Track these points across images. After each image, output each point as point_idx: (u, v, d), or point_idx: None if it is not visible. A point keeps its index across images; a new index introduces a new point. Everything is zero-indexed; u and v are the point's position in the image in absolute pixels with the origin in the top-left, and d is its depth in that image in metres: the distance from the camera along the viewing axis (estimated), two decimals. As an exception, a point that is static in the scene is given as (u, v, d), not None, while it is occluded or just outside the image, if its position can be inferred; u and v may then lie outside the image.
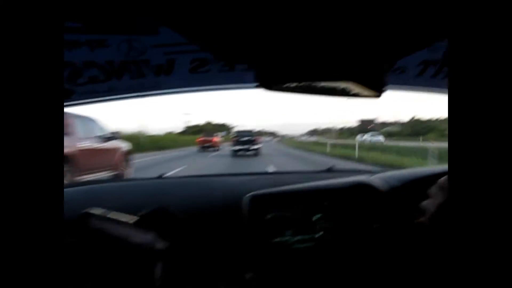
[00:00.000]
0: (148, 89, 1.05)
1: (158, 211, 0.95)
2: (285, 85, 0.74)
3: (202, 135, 26.18)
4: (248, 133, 17.74)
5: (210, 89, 1.10)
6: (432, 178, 0.77)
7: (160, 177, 1.52)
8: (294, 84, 0.75)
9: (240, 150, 16.42)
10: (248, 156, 16.07)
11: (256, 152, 16.58)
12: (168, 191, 1.29)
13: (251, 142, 16.53)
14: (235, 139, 17.31)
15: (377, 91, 0.79)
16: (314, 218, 1.06)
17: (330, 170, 1.66)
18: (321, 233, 1.06)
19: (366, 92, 0.82)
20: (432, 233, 0.68)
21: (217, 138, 24.64)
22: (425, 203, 0.71)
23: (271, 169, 11.17)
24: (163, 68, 0.94)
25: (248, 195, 1.07)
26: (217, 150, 22.69)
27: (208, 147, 22.82)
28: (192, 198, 1.22)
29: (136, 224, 1.02)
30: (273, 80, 0.72)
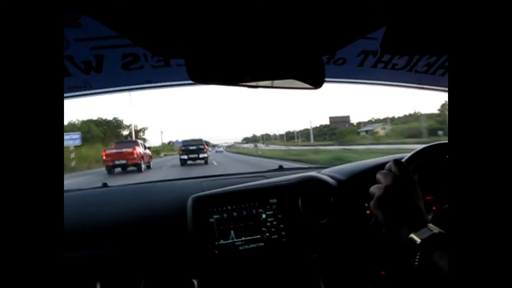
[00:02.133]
0: (77, 89, 0.98)
1: None
2: (221, 79, 0.73)
3: (113, 146, 15.02)
4: (196, 141, 17.46)
5: (146, 87, 1.06)
6: (379, 167, 0.79)
7: (104, 185, 1.43)
8: (230, 78, 0.75)
9: (188, 159, 16.19)
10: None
11: (205, 160, 16.49)
12: (114, 199, 1.22)
13: (200, 150, 16.41)
14: (182, 148, 16.93)
15: (318, 80, 0.81)
16: (262, 217, 1.06)
17: (280, 169, 1.67)
18: (269, 232, 1.04)
19: (305, 83, 0.84)
20: (378, 216, 0.67)
21: (138, 149, 13.64)
22: (373, 188, 0.70)
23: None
24: (91, 65, 0.89)
25: (191, 197, 1.04)
26: (142, 168, 13.77)
27: (123, 166, 13.26)
28: (138, 204, 1.16)
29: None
30: (207, 73, 0.71)
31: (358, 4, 0.60)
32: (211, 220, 1.01)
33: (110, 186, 1.44)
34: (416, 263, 0.58)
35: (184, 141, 17.81)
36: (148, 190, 1.35)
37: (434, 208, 1.02)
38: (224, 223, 1.01)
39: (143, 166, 13.86)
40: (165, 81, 1.06)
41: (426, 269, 0.57)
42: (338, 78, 1.19)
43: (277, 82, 0.80)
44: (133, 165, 13.25)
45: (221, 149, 47.98)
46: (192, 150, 16.30)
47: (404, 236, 0.62)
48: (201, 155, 16.28)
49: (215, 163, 14.95)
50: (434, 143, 1.03)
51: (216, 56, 0.75)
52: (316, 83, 0.82)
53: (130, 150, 13.28)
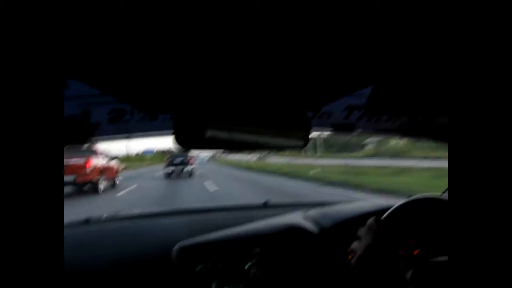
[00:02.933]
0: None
1: None
2: (205, 143, 0.73)
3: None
4: (182, 153, 16.85)
5: (132, 136, 1.06)
6: (362, 217, 0.80)
7: (87, 221, 1.39)
8: (217, 141, 0.75)
9: (173, 172, 15.95)
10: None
11: (191, 173, 16.17)
12: (96, 240, 1.19)
13: (185, 163, 16.27)
14: (168, 160, 16.62)
15: (303, 142, 0.81)
16: (246, 266, 1.05)
17: (265, 206, 1.66)
18: (253, 282, 1.03)
19: (292, 144, 0.84)
20: (359, 274, 0.68)
21: (94, 161, 9.68)
22: (354, 244, 0.72)
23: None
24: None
25: (176, 246, 1.03)
26: (101, 188, 9.86)
27: (70, 184, 9.09)
28: (122, 248, 1.13)
29: None
30: (194, 139, 0.71)
31: (345, 63, 0.62)
32: (196, 269, 1.00)
33: (92, 223, 1.39)
34: None
35: (170, 155, 17.38)
36: (133, 230, 1.32)
37: (415, 252, 1.02)
38: (209, 272, 1.01)
39: (101, 185, 9.84)
40: (152, 130, 1.07)
41: None
42: (324, 127, 1.21)
43: (262, 143, 0.80)
44: (84, 184, 9.36)
45: (205, 160, 42.85)
46: (178, 163, 16.16)
47: None
48: (185, 169, 16.11)
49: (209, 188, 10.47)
50: (414, 197, 1.05)
51: (201, 117, 0.75)
52: (301, 141, 0.82)
53: (81, 162, 9.03)
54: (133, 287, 1.01)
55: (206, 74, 0.65)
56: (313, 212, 1.32)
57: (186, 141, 0.70)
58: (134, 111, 0.90)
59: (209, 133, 0.70)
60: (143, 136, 1.08)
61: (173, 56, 0.54)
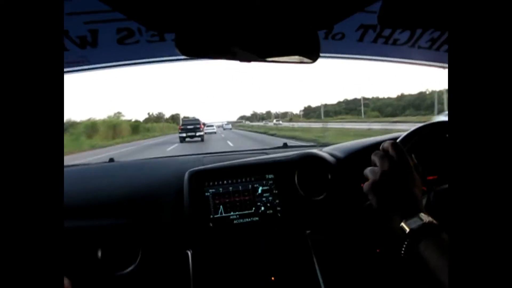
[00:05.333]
0: (75, 64, 0.99)
1: None
2: (211, 51, 0.73)
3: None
4: (194, 121, 19.55)
5: (143, 62, 1.06)
6: (377, 145, 0.75)
7: (111, 160, 1.48)
8: (220, 50, 0.74)
9: (187, 136, 18.10)
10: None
11: (202, 138, 18.22)
12: (117, 174, 1.26)
13: (197, 129, 18.29)
14: (182, 127, 19.10)
15: (314, 55, 0.80)
16: (258, 192, 1.07)
17: (285, 146, 1.67)
18: (264, 207, 1.06)
19: (302, 57, 0.82)
20: (371, 201, 0.66)
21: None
22: (367, 170, 0.68)
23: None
24: (87, 40, 0.89)
25: (187, 171, 1.06)
26: None
27: None
28: (139, 178, 1.19)
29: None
30: (197, 46, 0.70)
31: None
32: (207, 194, 1.03)
33: (116, 161, 1.48)
34: (403, 252, 0.58)
35: (183, 121, 20.15)
36: (150, 165, 1.38)
37: (436, 188, 1.01)
38: (219, 197, 1.04)
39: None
40: (162, 56, 1.06)
41: (411, 259, 0.57)
42: (338, 54, 1.17)
43: (270, 56, 0.79)
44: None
45: (229, 126, 46.24)
46: (190, 129, 18.35)
47: (395, 223, 0.61)
48: (197, 133, 18.22)
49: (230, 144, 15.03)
50: (429, 122, 1.01)
51: (207, 28, 0.74)
52: (311, 57, 0.81)
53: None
54: (149, 211, 1.06)
55: None
56: (329, 147, 1.31)
57: (189, 48, 0.69)
58: (142, 30, 0.90)
59: (214, 41, 0.69)
60: (155, 61, 1.08)
61: None
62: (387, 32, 1.05)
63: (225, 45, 0.72)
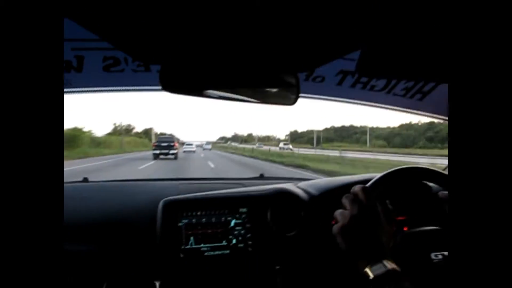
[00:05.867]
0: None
1: None
2: (192, 89, 0.75)
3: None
4: (168, 138, 20.33)
5: (126, 89, 1.07)
6: (351, 186, 0.76)
7: (85, 179, 1.44)
8: (201, 88, 0.76)
9: (160, 153, 18.61)
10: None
11: (175, 156, 18.83)
12: (90, 196, 1.23)
13: (171, 147, 18.86)
14: (156, 144, 19.53)
15: (294, 96, 0.83)
16: (231, 225, 1.07)
17: (261, 177, 1.68)
18: (235, 240, 1.05)
19: (282, 98, 0.85)
20: (339, 242, 0.67)
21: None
22: (337, 212, 0.69)
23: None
24: (72, 65, 0.90)
25: (162, 200, 1.05)
26: None
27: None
28: (113, 202, 1.16)
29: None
30: (178, 82, 0.72)
31: (335, 24, 0.62)
32: (180, 224, 1.02)
33: (90, 182, 1.44)
34: None
35: (158, 138, 20.82)
36: (125, 189, 1.36)
37: (405, 228, 1.03)
38: (192, 228, 1.03)
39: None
40: (147, 85, 1.08)
41: None
42: (317, 95, 1.21)
43: (250, 96, 0.82)
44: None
45: (209, 146, 46.05)
46: (164, 147, 18.89)
47: (361, 267, 0.62)
48: (171, 151, 18.81)
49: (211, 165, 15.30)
50: (403, 167, 1.05)
51: (189, 64, 0.76)
52: (291, 98, 0.84)
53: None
54: (119, 238, 1.03)
55: (200, 24, 0.65)
56: (304, 183, 1.33)
57: (172, 84, 0.70)
58: (128, 60, 0.91)
59: (196, 79, 0.71)
60: (138, 90, 1.09)
61: (170, 6, 0.54)
62: (365, 78, 1.11)
63: (207, 84, 0.74)
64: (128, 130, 53.63)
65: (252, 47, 0.77)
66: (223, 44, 0.75)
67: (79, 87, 1.03)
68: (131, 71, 0.96)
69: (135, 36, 0.72)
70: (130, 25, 0.65)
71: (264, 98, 0.83)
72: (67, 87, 1.01)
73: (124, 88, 1.08)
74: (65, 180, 1.43)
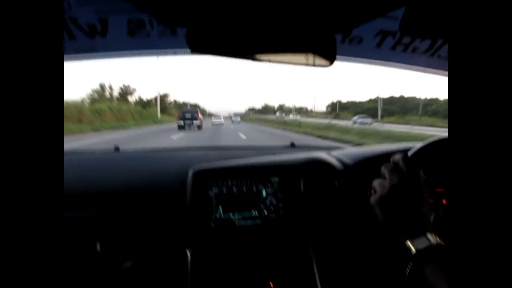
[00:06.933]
0: (81, 52, 0.96)
1: None
2: (222, 49, 0.70)
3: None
4: (191, 110, 22.45)
5: (153, 53, 1.03)
6: (388, 155, 0.73)
7: (116, 149, 1.46)
8: (232, 48, 0.71)
9: (184, 124, 20.22)
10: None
11: (200, 126, 20.52)
12: (121, 165, 1.24)
13: (194, 118, 20.52)
14: (180, 115, 21.15)
15: (330, 58, 0.77)
16: (262, 195, 1.05)
17: (292, 146, 1.65)
18: (267, 210, 1.04)
19: (318, 60, 0.79)
20: (378, 213, 0.64)
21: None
22: (376, 182, 0.66)
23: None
24: (96, 29, 0.86)
25: (191, 169, 1.04)
26: None
27: None
28: (143, 171, 1.17)
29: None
30: (208, 42, 0.67)
31: None
32: (210, 193, 1.01)
33: (121, 151, 1.46)
34: (407, 273, 0.56)
35: (182, 110, 22.96)
36: (155, 158, 1.36)
37: (444, 201, 0.98)
38: (222, 197, 1.02)
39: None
40: (173, 48, 1.03)
41: (415, 281, 0.55)
42: (355, 57, 1.13)
43: (282, 57, 0.76)
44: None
45: (238, 118, 44.64)
46: (188, 118, 20.56)
47: (400, 240, 0.59)
48: (194, 122, 20.54)
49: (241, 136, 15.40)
50: (440, 137, 0.98)
51: (220, 24, 0.71)
52: (327, 60, 0.78)
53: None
54: (150, 206, 1.04)
55: None
56: (337, 151, 1.28)
57: (200, 45, 0.66)
58: (154, 23, 0.86)
59: (225, 38, 0.66)
60: (164, 53, 1.04)
61: None
62: (407, 39, 1.01)
63: (238, 44, 0.69)
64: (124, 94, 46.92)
65: (285, 4, 0.70)
66: (253, 3, 0.69)
67: (104, 51, 1.00)
68: (157, 34, 0.91)
69: None
70: None
71: (297, 59, 0.78)
72: (91, 52, 0.98)
73: (150, 51, 1.03)
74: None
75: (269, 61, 0.76)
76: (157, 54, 1.04)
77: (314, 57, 0.77)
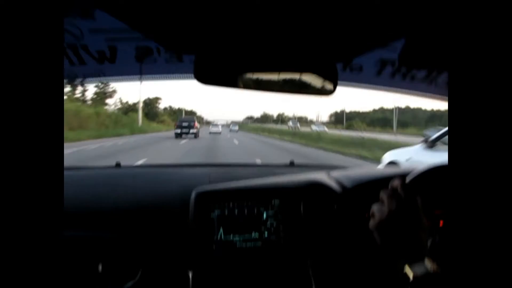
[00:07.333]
0: (91, 76, 0.99)
1: None
2: (227, 81, 0.72)
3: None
4: (188, 118, 22.61)
5: (159, 78, 1.06)
6: (387, 180, 0.73)
7: (117, 165, 1.47)
8: (237, 80, 0.73)
9: (181, 133, 20.32)
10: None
11: (196, 135, 20.50)
12: (122, 183, 1.25)
13: (191, 127, 20.59)
14: (176, 123, 21.51)
15: (332, 87, 0.79)
16: (263, 217, 1.05)
17: (291, 165, 1.66)
18: (267, 232, 1.04)
19: (319, 89, 0.81)
20: (376, 238, 0.65)
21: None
22: (375, 207, 0.67)
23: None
24: (105, 56, 0.89)
25: (194, 191, 1.05)
26: None
27: None
28: (145, 190, 1.18)
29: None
30: (214, 74, 0.70)
31: (377, 13, 0.58)
32: (212, 215, 1.02)
33: (122, 167, 1.47)
34: None
35: (179, 118, 23.50)
36: (156, 176, 1.37)
37: (441, 222, 0.99)
38: (224, 219, 1.02)
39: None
40: (179, 73, 1.06)
41: None
42: (355, 83, 1.16)
43: (286, 87, 0.79)
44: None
45: (236, 127, 43.31)
46: (184, 126, 20.63)
47: (399, 265, 0.60)
48: (191, 131, 20.53)
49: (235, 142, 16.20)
50: (439, 163, 0.99)
51: (225, 55, 0.74)
52: (328, 90, 0.80)
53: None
54: (152, 226, 1.04)
55: (235, 16, 0.62)
56: (336, 172, 1.29)
57: (206, 75, 0.68)
58: (161, 50, 0.89)
59: (231, 70, 0.69)
60: (170, 78, 1.08)
61: None
62: (405, 68, 1.04)
63: (242, 75, 0.72)
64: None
65: (289, 37, 0.73)
66: (258, 34, 0.72)
67: (112, 76, 1.03)
68: (164, 61, 0.95)
69: (167, 26, 0.70)
70: (162, 16, 0.64)
71: (301, 89, 0.80)
72: (99, 77, 1.02)
73: (156, 76, 1.07)
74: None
75: (273, 91, 0.78)
76: (164, 79, 1.08)
77: (317, 87, 0.80)
